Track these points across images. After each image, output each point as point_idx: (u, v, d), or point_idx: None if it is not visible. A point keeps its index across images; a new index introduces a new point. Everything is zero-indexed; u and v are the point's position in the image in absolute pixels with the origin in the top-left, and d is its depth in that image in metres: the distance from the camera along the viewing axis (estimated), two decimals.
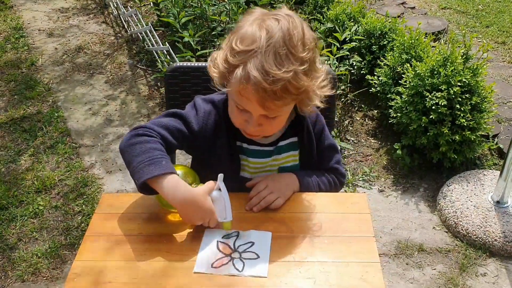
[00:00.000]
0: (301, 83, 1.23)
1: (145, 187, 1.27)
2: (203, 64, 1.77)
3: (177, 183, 1.25)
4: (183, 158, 2.78)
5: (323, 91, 1.33)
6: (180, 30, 3.40)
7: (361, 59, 3.50)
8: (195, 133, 1.42)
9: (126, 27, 4.56)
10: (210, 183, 1.31)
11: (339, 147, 1.63)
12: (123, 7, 4.57)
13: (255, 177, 1.48)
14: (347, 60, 3.53)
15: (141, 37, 4.23)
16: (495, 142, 3.13)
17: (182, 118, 1.42)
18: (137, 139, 1.32)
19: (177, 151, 1.57)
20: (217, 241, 1.29)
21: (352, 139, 3.30)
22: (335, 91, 1.77)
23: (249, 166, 1.49)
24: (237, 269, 1.21)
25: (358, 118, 3.45)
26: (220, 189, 1.30)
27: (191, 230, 1.32)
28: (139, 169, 1.26)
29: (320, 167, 1.55)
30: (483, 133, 2.90)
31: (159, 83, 3.85)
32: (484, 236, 2.54)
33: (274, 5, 3.78)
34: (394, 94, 3.07)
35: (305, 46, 1.24)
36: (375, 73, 3.29)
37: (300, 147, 1.50)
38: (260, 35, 1.21)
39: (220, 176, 1.29)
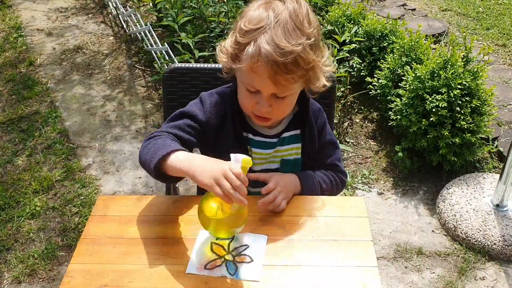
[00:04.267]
0: (309, 56, 1.28)
1: (161, 174, 1.27)
2: (201, 65, 1.76)
3: (187, 154, 1.26)
4: None
5: (328, 69, 1.39)
6: (178, 31, 3.38)
7: (361, 61, 3.49)
8: (204, 124, 1.45)
9: (125, 27, 4.55)
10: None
11: (339, 147, 1.62)
12: (122, 7, 4.56)
13: (259, 173, 1.47)
14: (347, 62, 3.52)
15: (140, 37, 4.21)
16: (495, 145, 3.11)
17: (188, 114, 1.45)
18: (148, 141, 1.36)
19: None
20: (211, 243, 1.27)
21: (352, 141, 3.29)
22: (335, 92, 1.77)
23: (253, 156, 1.49)
24: (230, 273, 1.20)
25: (357, 120, 3.44)
26: None
27: (186, 232, 1.31)
28: (150, 160, 1.28)
29: (320, 162, 1.54)
30: (483, 136, 2.89)
31: (157, 84, 3.84)
32: (483, 240, 2.52)
33: None
34: (394, 96, 3.06)
35: (311, 23, 1.31)
36: (375, 75, 3.28)
37: (302, 140, 1.52)
38: (268, 14, 1.28)
39: (232, 155, 1.20)
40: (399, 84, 3.03)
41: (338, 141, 1.59)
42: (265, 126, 1.47)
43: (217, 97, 1.48)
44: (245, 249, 1.26)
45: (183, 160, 1.24)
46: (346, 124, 3.39)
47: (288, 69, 1.25)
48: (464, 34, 3.07)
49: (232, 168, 1.16)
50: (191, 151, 1.44)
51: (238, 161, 1.18)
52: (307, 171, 1.50)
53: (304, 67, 1.28)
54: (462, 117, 2.72)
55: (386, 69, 3.19)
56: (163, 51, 3.57)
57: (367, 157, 3.17)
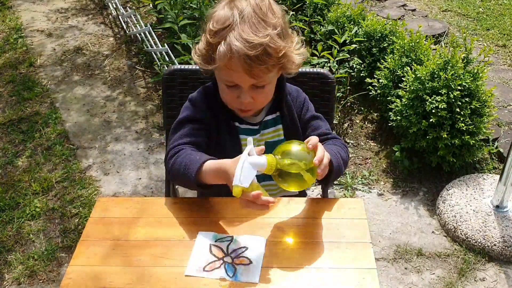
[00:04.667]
0: (278, 44, 1.33)
1: (202, 186, 1.33)
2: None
3: (215, 162, 1.30)
4: None
5: (300, 52, 1.44)
6: (178, 33, 3.38)
7: (361, 62, 3.48)
8: (204, 122, 1.51)
9: (125, 28, 4.55)
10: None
11: (325, 120, 1.64)
12: (122, 8, 4.56)
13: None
14: (347, 63, 3.51)
15: (140, 38, 4.21)
16: (495, 146, 3.11)
17: (187, 120, 1.51)
18: (173, 159, 1.40)
19: None
20: (210, 245, 1.28)
21: (352, 142, 3.29)
22: (334, 93, 1.77)
23: (242, 143, 1.56)
24: (228, 275, 1.20)
25: (357, 121, 3.44)
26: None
27: (185, 234, 1.31)
28: (187, 178, 1.32)
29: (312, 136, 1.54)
30: (483, 137, 2.88)
31: (157, 85, 3.84)
32: (484, 241, 2.52)
33: None
34: (394, 97, 3.06)
35: (274, 14, 1.37)
36: (375, 76, 3.28)
37: (282, 121, 1.57)
38: (232, 13, 1.34)
39: (249, 139, 1.26)
40: (399, 85, 3.03)
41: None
42: (248, 116, 1.53)
43: (203, 94, 1.55)
44: (244, 251, 1.26)
45: (215, 169, 1.29)
46: (346, 124, 3.39)
47: (261, 60, 1.31)
48: (464, 34, 3.06)
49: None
50: (206, 150, 1.49)
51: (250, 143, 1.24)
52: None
53: (275, 55, 1.33)
54: (461, 119, 2.72)
55: (386, 70, 3.19)
56: (163, 52, 3.57)
57: (367, 158, 3.17)
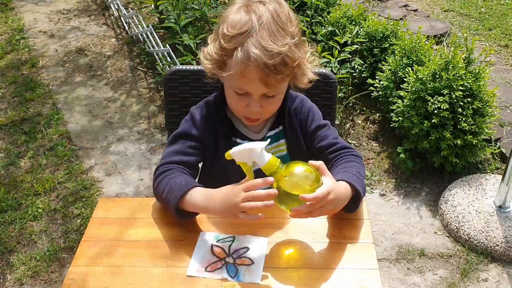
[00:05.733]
0: (296, 55, 1.30)
1: (183, 214, 1.30)
2: (203, 67, 1.76)
3: (200, 191, 1.28)
4: None
5: (314, 64, 1.42)
6: (180, 33, 3.39)
7: (362, 62, 3.48)
8: (200, 139, 1.47)
9: (127, 28, 4.55)
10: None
11: (332, 127, 1.58)
12: (124, 8, 4.56)
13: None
14: (349, 63, 3.51)
15: (141, 39, 4.22)
16: (497, 146, 3.11)
17: (184, 135, 1.47)
18: (159, 179, 1.37)
19: None
20: (212, 245, 1.28)
21: (354, 142, 3.29)
22: (336, 94, 1.77)
23: None
24: (230, 275, 1.20)
25: (359, 122, 3.44)
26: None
27: (187, 234, 1.31)
28: (167, 202, 1.30)
29: (319, 147, 1.51)
30: (485, 137, 2.88)
31: (159, 86, 3.84)
32: (486, 241, 2.51)
33: None
34: (395, 98, 3.05)
35: (292, 22, 1.33)
36: (376, 76, 3.28)
37: (285, 135, 1.53)
38: (250, 17, 1.28)
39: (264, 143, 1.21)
40: (401, 85, 3.02)
41: (329, 122, 1.57)
42: (255, 125, 1.50)
43: (204, 109, 1.50)
44: (246, 251, 1.26)
45: (201, 200, 1.27)
46: (348, 125, 3.39)
47: (278, 70, 1.27)
48: (466, 34, 3.06)
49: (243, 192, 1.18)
50: (198, 169, 1.50)
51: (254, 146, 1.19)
52: (338, 173, 1.37)
53: (291, 65, 1.30)
54: (464, 119, 2.72)
55: (387, 71, 3.18)
56: (165, 53, 3.57)
57: (369, 159, 3.17)
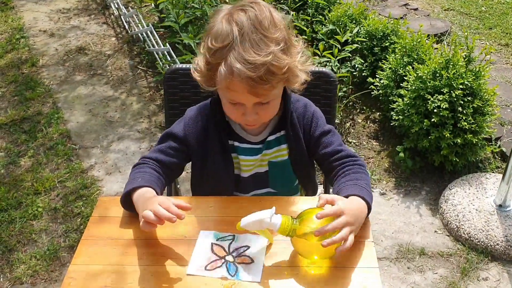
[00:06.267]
0: (282, 62, 1.26)
1: (129, 206, 1.34)
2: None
3: (142, 192, 1.31)
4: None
5: (306, 65, 1.37)
6: (180, 32, 3.38)
7: (363, 61, 3.48)
8: (184, 141, 1.48)
9: (127, 28, 4.55)
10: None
11: (337, 133, 1.56)
12: (124, 7, 4.56)
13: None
14: (349, 62, 3.51)
15: (141, 38, 4.22)
16: (497, 145, 3.10)
17: (170, 135, 1.50)
18: (132, 170, 1.45)
19: None
20: (212, 243, 1.27)
21: (354, 141, 3.28)
22: (336, 93, 1.77)
23: (240, 163, 1.51)
24: (230, 274, 1.19)
25: (359, 121, 3.43)
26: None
27: (186, 233, 1.31)
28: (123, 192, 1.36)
29: (323, 154, 1.50)
30: (485, 136, 2.87)
31: (159, 85, 3.84)
32: (486, 240, 2.51)
33: (276, 6, 3.77)
34: (396, 96, 3.05)
35: (276, 27, 1.28)
36: (377, 75, 3.28)
37: (287, 140, 1.51)
38: (231, 28, 1.25)
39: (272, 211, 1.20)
40: (401, 84, 3.02)
41: (333, 127, 1.55)
42: (254, 128, 1.48)
43: (197, 111, 1.51)
44: (246, 250, 1.26)
45: (136, 199, 1.31)
46: (348, 124, 3.39)
47: (264, 80, 1.24)
48: (466, 33, 3.06)
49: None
50: (177, 170, 1.52)
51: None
52: (348, 187, 1.36)
53: (279, 73, 1.26)
54: (464, 118, 2.72)
55: (388, 69, 3.18)
56: (165, 52, 3.57)
57: (369, 157, 3.16)
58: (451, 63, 2.79)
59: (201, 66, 1.35)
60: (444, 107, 2.69)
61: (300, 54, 1.35)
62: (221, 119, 1.48)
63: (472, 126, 2.72)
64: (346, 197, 1.29)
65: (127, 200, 1.33)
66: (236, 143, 1.50)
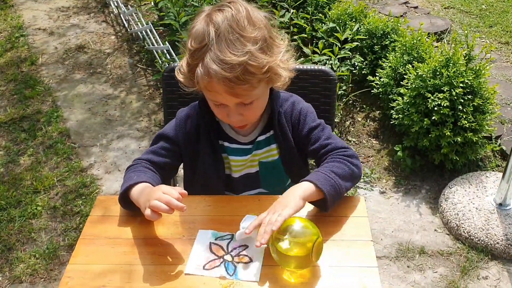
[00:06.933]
0: (260, 61, 1.24)
1: (128, 204, 1.34)
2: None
3: (141, 188, 1.31)
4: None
5: (288, 64, 1.35)
6: (180, 30, 3.38)
7: (362, 59, 3.47)
8: (175, 141, 1.49)
9: (126, 26, 4.54)
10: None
11: (327, 126, 1.53)
12: (124, 6, 4.55)
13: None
14: (349, 60, 3.50)
15: (141, 36, 4.21)
16: (498, 143, 3.10)
17: (162, 136, 1.50)
18: (126, 171, 1.45)
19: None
20: (210, 243, 1.27)
21: (354, 140, 3.28)
22: (336, 91, 1.76)
23: (230, 164, 1.52)
24: (228, 273, 1.19)
25: (359, 119, 3.43)
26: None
27: (185, 232, 1.31)
28: (120, 192, 1.36)
29: (313, 150, 1.48)
30: (485, 135, 2.87)
31: (159, 83, 3.83)
32: (486, 239, 2.51)
33: (276, 4, 3.76)
34: (396, 95, 3.04)
35: (255, 25, 1.26)
36: (377, 73, 3.27)
37: (276, 140, 1.51)
38: (208, 29, 1.24)
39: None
40: (401, 82, 3.01)
41: (323, 121, 1.52)
42: (243, 130, 1.47)
43: (188, 111, 1.51)
44: (244, 249, 1.25)
45: (136, 194, 1.30)
46: (348, 122, 3.38)
47: (242, 80, 1.23)
48: (466, 31, 3.05)
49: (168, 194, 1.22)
50: (170, 170, 1.52)
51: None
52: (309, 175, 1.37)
53: (258, 72, 1.25)
54: (464, 116, 2.71)
55: (388, 68, 3.17)
56: (164, 50, 3.56)
57: (369, 156, 3.16)
58: (451, 62, 2.78)
59: (184, 67, 1.34)
60: (444, 105, 2.68)
61: (282, 53, 1.33)
62: (211, 119, 1.47)
63: (472, 124, 2.71)
64: None
65: (125, 199, 1.33)
66: (226, 144, 1.50)
